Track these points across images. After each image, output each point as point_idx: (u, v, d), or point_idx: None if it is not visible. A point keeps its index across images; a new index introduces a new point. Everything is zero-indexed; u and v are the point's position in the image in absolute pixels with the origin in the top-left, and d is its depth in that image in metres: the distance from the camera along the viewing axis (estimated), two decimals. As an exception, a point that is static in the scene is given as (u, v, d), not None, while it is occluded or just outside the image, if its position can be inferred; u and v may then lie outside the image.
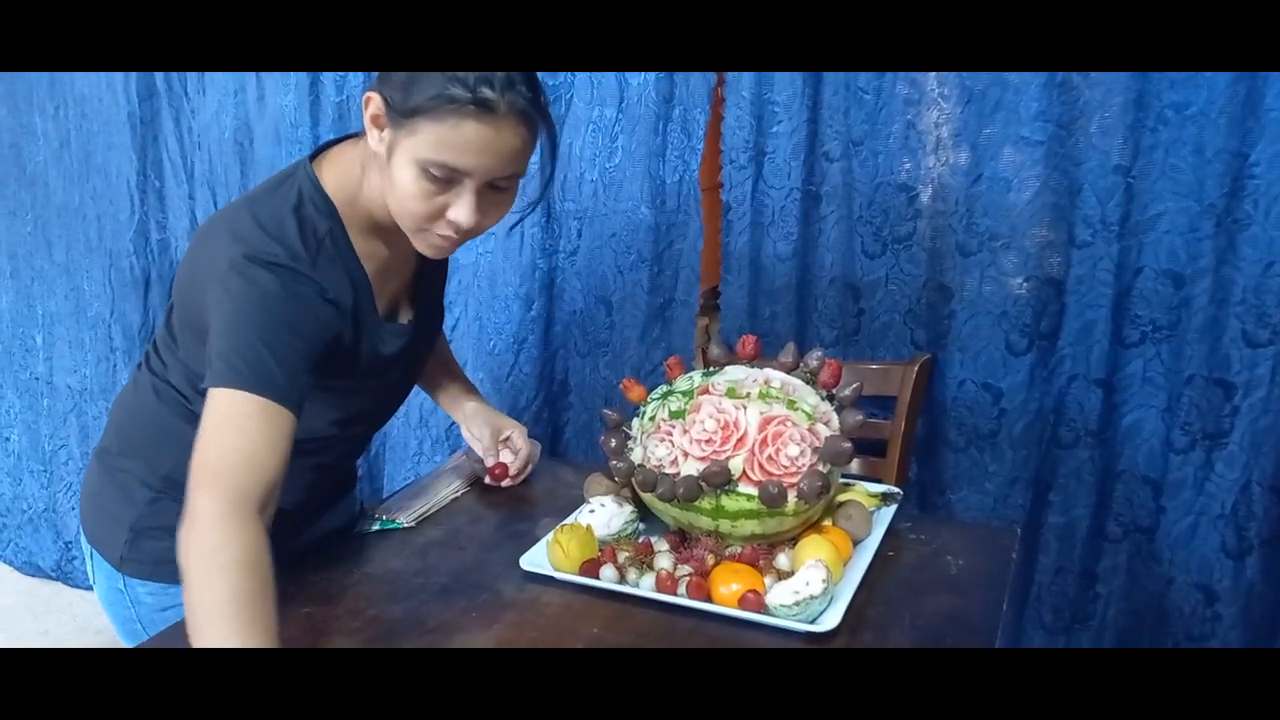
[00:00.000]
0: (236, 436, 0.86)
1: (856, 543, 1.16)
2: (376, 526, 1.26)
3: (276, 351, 0.88)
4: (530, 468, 1.38)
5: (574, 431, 1.96)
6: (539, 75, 0.95)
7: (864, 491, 1.24)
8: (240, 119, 2.07)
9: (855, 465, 1.67)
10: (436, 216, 0.94)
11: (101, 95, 2.20)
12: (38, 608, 2.50)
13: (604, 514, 1.18)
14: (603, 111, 1.78)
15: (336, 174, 0.98)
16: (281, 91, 2.00)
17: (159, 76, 2.13)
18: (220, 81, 2.07)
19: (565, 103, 1.80)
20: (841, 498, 1.21)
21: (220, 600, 0.80)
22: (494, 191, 0.95)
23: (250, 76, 2.04)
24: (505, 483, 1.33)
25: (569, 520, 1.21)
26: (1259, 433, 1.51)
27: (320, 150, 1.02)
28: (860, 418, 1.12)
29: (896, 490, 1.27)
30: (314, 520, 1.21)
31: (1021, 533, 1.60)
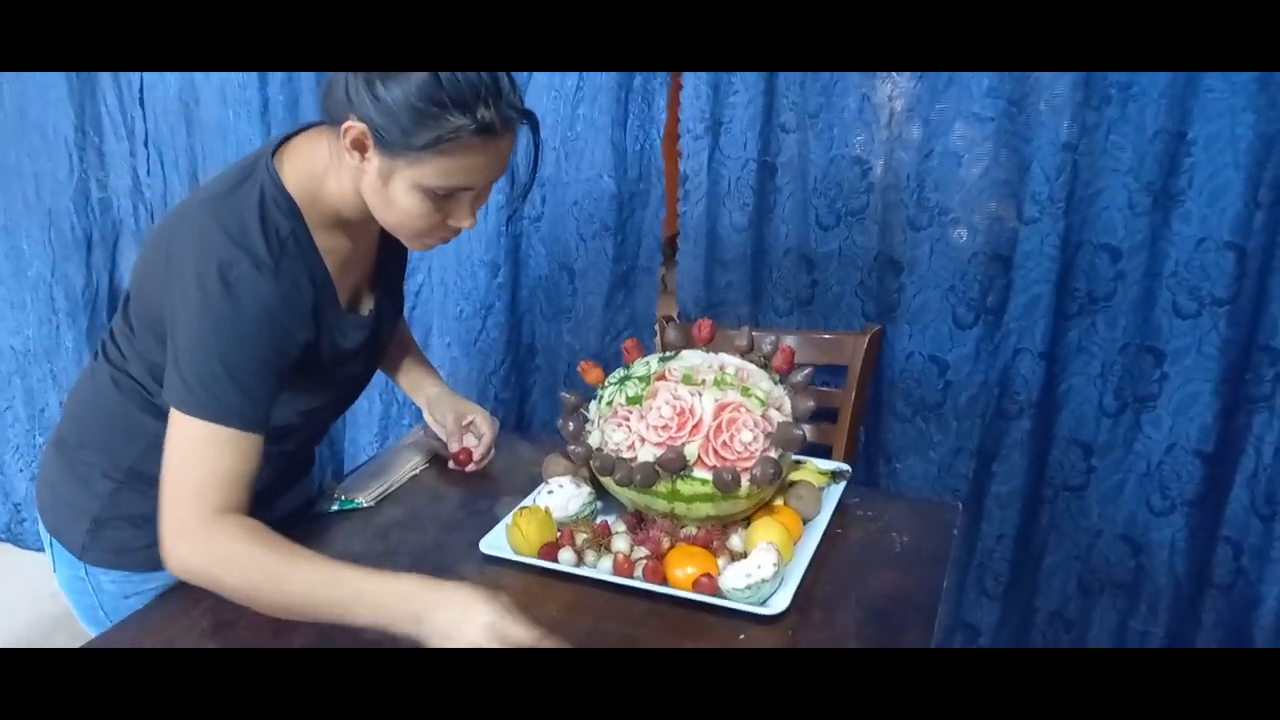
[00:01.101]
0: (202, 463, 0.89)
1: (806, 521, 1.20)
2: (336, 506, 1.28)
3: (241, 380, 0.90)
4: (492, 452, 1.39)
5: (540, 393, 1.99)
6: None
7: (814, 469, 1.29)
8: (185, 78, 2.01)
9: (806, 431, 1.71)
10: (438, 227, 0.98)
11: (34, 48, 2.11)
12: (-12, 570, 2.48)
13: (562, 495, 1.21)
14: (564, 79, 1.76)
15: (299, 172, 0.97)
16: (226, 50, 1.94)
17: (95, 30, 2.05)
18: (160, 37, 2.00)
19: (527, 73, 1.77)
20: (793, 476, 1.25)
21: (293, 575, 0.88)
22: (487, 186, 0.98)
23: (192, 33, 1.97)
24: (470, 468, 1.35)
25: (527, 501, 1.24)
26: (1185, 398, 1.58)
27: (280, 144, 1.00)
28: (811, 404, 1.16)
29: (846, 468, 1.31)
30: (273, 501, 1.22)
31: (965, 502, 1.67)
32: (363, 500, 1.28)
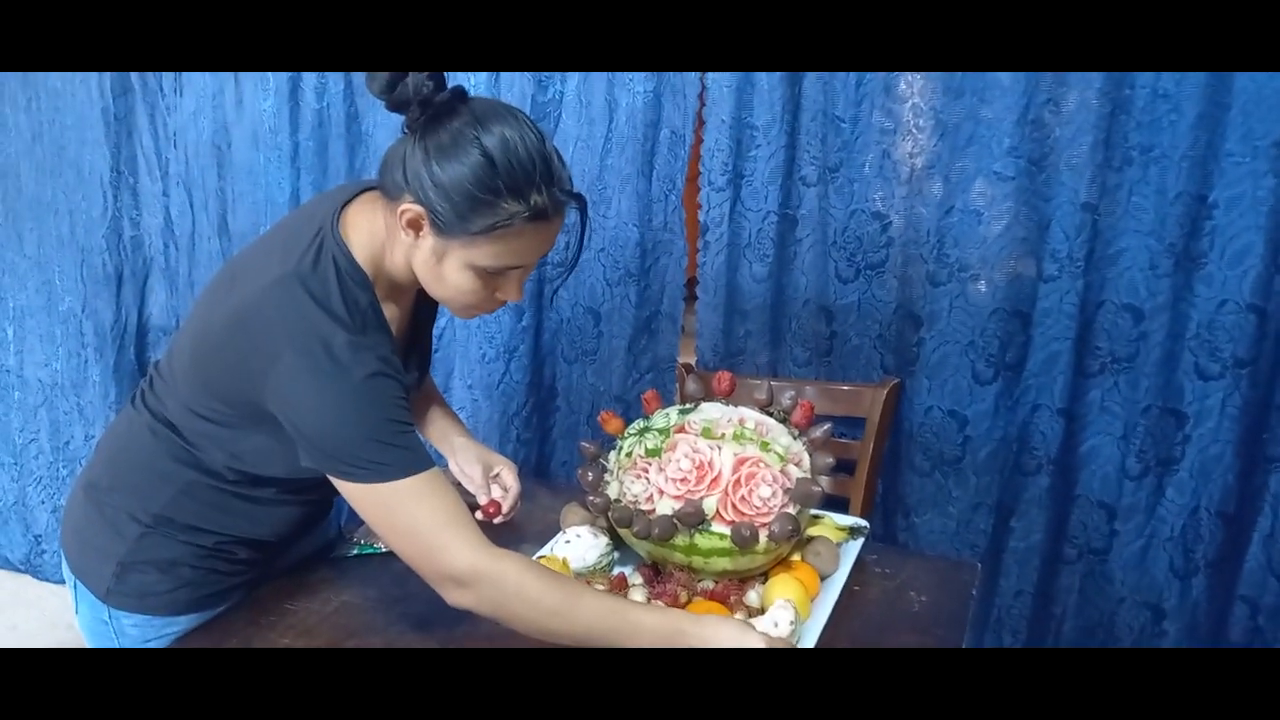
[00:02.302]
0: (435, 507, 0.94)
1: (824, 578, 1.20)
2: (355, 551, 1.29)
3: (380, 438, 0.93)
4: (518, 507, 1.40)
5: (560, 434, 2.00)
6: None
7: (832, 525, 1.29)
8: (218, 122, 2.06)
9: (824, 482, 1.71)
10: (487, 300, 1.01)
11: (75, 90, 2.18)
12: (6, 600, 2.50)
13: (580, 545, 1.21)
14: (592, 131, 1.79)
15: (363, 244, 0.99)
16: (261, 96, 1.99)
17: (134, 74, 2.11)
18: (198, 83, 2.06)
19: (555, 120, 1.81)
20: (810, 531, 1.25)
21: (577, 607, 0.94)
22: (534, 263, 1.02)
23: (229, 79, 2.03)
24: (498, 520, 1.36)
25: (545, 550, 1.24)
26: (1208, 461, 1.57)
27: (341, 211, 1.01)
28: (831, 461, 1.16)
29: (863, 524, 1.31)
30: (296, 545, 1.23)
31: (983, 557, 1.66)
32: (381, 545, 1.29)
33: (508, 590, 0.94)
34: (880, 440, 1.69)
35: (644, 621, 0.95)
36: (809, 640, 1.06)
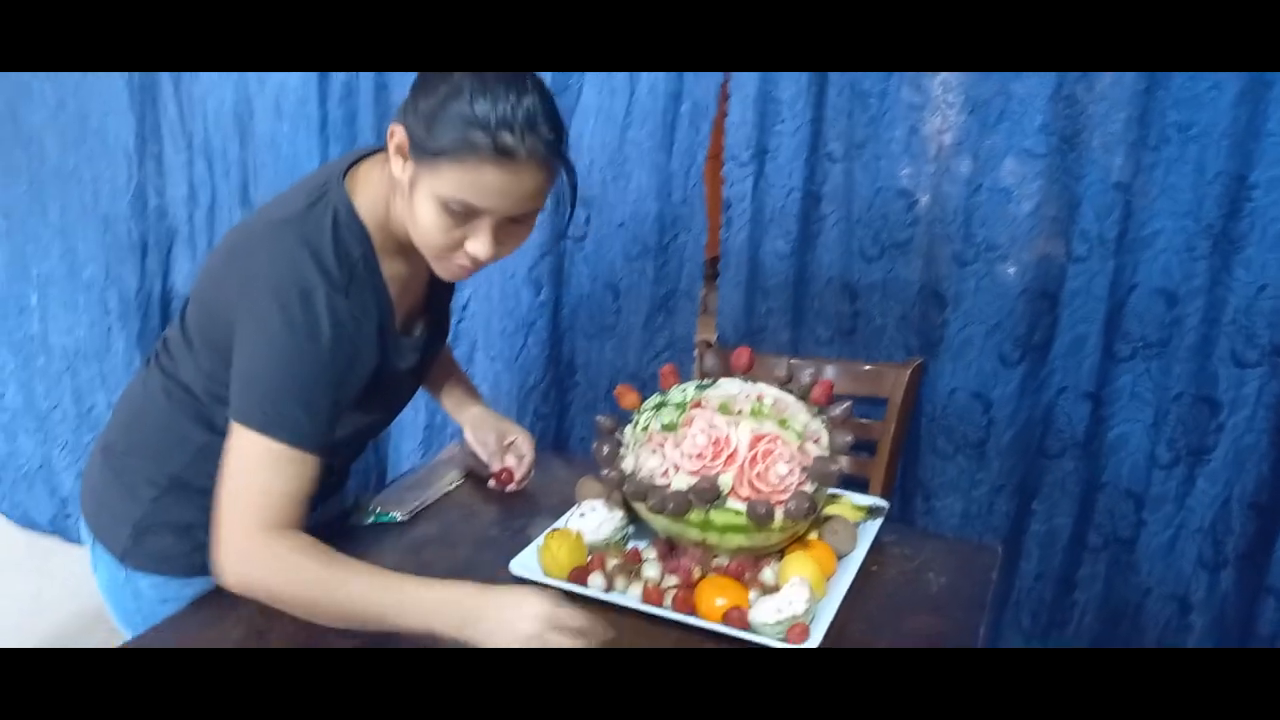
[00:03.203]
0: (265, 478, 0.91)
1: (841, 557, 1.18)
2: (371, 519, 1.28)
3: (309, 402, 0.92)
4: (533, 473, 1.39)
5: (579, 410, 1.99)
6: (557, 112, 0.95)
7: (850, 504, 1.27)
8: (240, 92, 2.06)
9: (843, 463, 1.69)
10: (455, 247, 0.97)
11: (100, 57, 2.18)
12: (34, 563, 2.53)
13: (594, 519, 1.20)
14: (613, 102, 1.77)
15: (368, 196, 0.98)
16: (284, 65, 1.98)
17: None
18: (221, 51, 2.05)
19: (576, 93, 1.79)
20: (828, 510, 1.23)
21: (344, 583, 0.90)
22: (512, 224, 0.97)
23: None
24: (511, 488, 1.35)
25: (560, 523, 1.23)
26: (1242, 450, 1.53)
27: (350, 167, 1.01)
28: (849, 439, 1.14)
29: (882, 504, 1.29)
30: (308, 513, 1.22)
31: (1004, 539, 1.64)
32: (398, 514, 1.28)
33: (273, 562, 0.91)
34: (902, 421, 1.66)
35: (423, 597, 0.91)
36: (824, 619, 1.04)
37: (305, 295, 0.91)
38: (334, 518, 1.29)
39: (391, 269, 1.02)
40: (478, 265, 0.99)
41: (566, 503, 1.27)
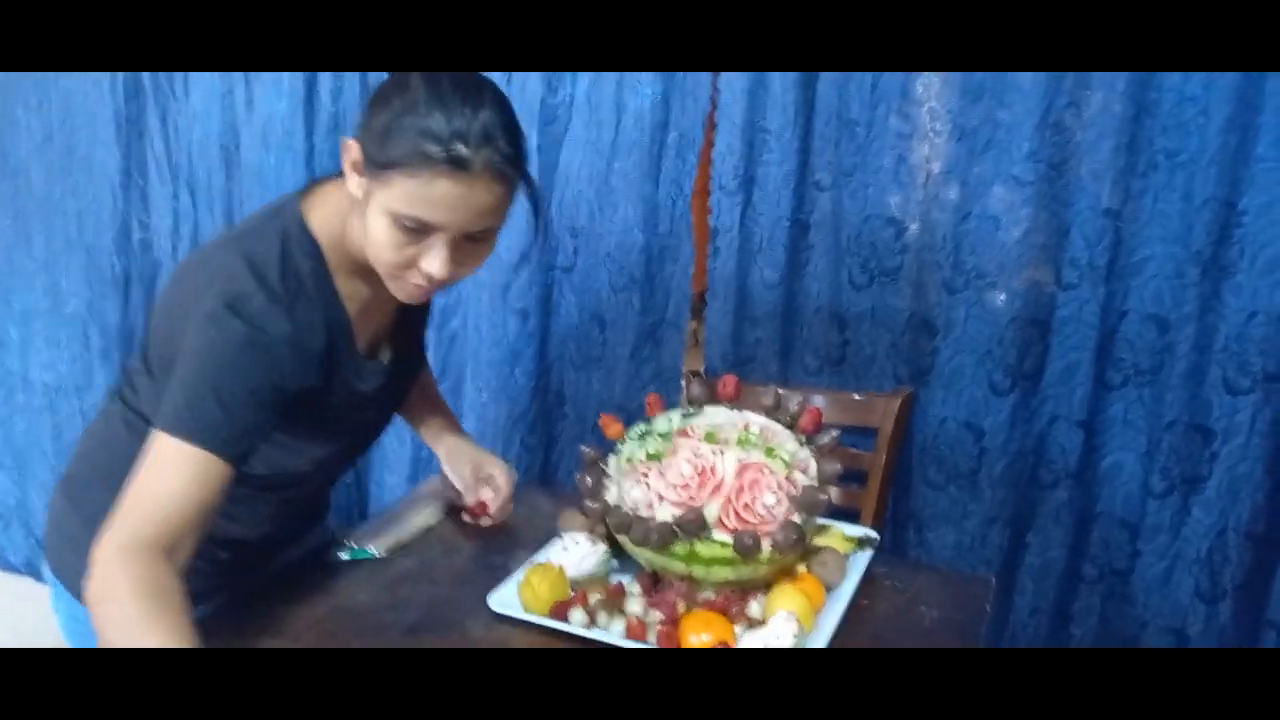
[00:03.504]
0: (156, 481, 0.86)
1: (830, 589, 1.15)
2: (348, 555, 1.25)
3: (227, 403, 0.87)
4: (508, 510, 1.35)
5: (567, 441, 1.96)
6: (520, 130, 0.94)
7: (840, 535, 1.24)
8: (227, 123, 2.05)
9: (834, 494, 1.66)
10: (409, 265, 0.93)
11: (87, 90, 2.17)
12: (6, 604, 2.47)
13: (577, 552, 1.17)
14: (599, 134, 1.76)
15: (323, 214, 0.96)
16: (274, 97, 1.97)
17: (145, 75, 2.10)
18: (206, 83, 2.04)
19: (565, 124, 1.78)
20: (817, 541, 1.20)
21: (130, 622, 0.80)
22: (470, 243, 0.93)
23: (239, 79, 2.01)
24: (484, 521, 1.32)
25: (540, 557, 1.20)
26: (1236, 479, 1.51)
27: (309, 188, 1.00)
28: (838, 468, 1.12)
29: (873, 535, 1.26)
30: (283, 548, 1.19)
31: (997, 573, 1.61)
32: (375, 550, 1.25)
33: (107, 581, 0.83)
34: (892, 451, 1.64)
35: None
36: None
37: (238, 302, 0.88)
38: (311, 551, 1.25)
39: (349, 288, 0.99)
40: (434, 285, 0.95)
41: (549, 536, 1.24)
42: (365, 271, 0.99)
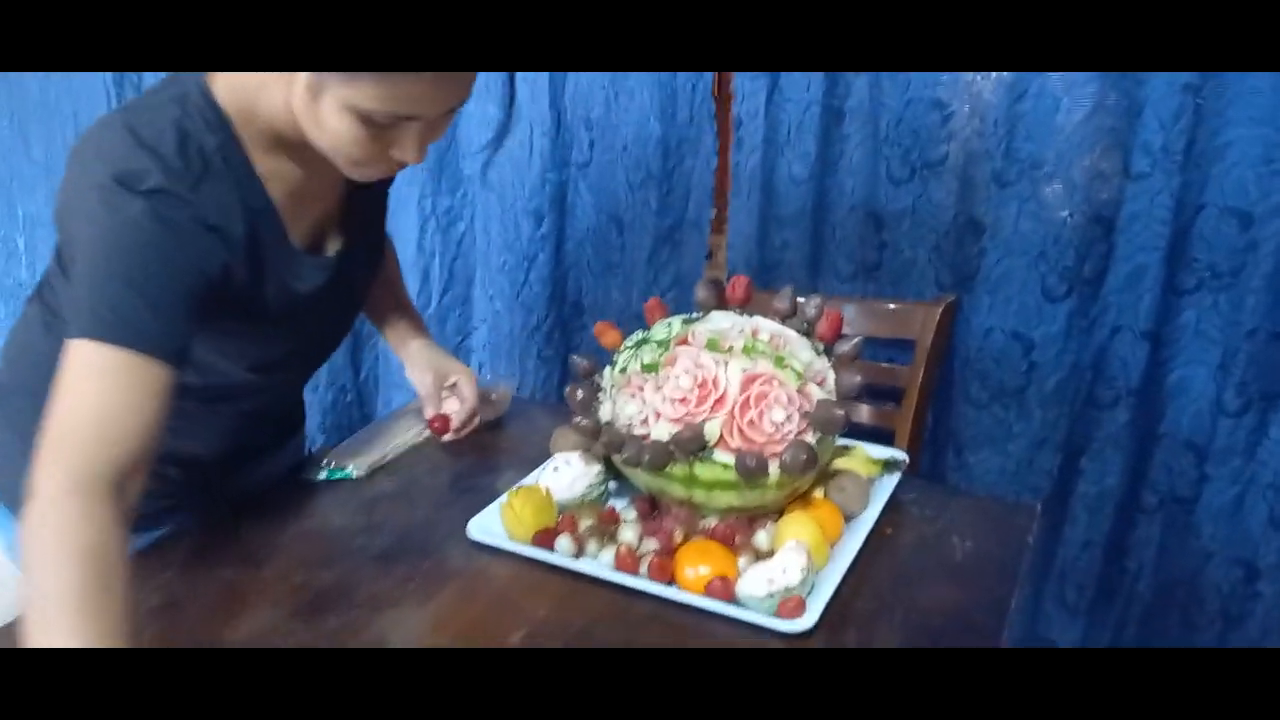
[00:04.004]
0: (91, 399, 0.73)
1: (849, 518, 1.02)
2: (324, 475, 1.15)
3: (147, 294, 0.74)
4: (477, 421, 1.22)
5: (586, 352, 1.83)
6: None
7: (864, 457, 1.10)
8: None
9: (865, 414, 1.53)
10: (378, 157, 0.81)
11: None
12: None
13: (568, 474, 1.05)
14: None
15: (231, 82, 0.82)
16: None
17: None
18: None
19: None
20: (838, 464, 1.07)
21: (58, 596, 0.68)
22: (445, 118, 0.82)
23: None
24: (447, 437, 1.19)
25: (529, 479, 1.09)
26: (1324, 395, 1.33)
27: None
28: (858, 380, 0.97)
29: (901, 456, 1.12)
30: (248, 467, 1.10)
31: (1046, 502, 1.47)
32: (353, 469, 1.15)
33: (41, 534, 0.69)
34: (932, 366, 1.49)
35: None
36: (824, 591, 0.89)
37: (131, 178, 0.75)
38: (286, 471, 1.16)
39: (271, 167, 0.86)
40: (403, 168, 0.84)
41: (542, 458, 1.13)
42: (291, 148, 0.85)
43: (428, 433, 1.24)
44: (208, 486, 1.03)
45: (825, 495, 1.02)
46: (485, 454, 1.23)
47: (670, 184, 1.65)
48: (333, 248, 0.97)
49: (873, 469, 1.08)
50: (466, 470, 1.19)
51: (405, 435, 1.22)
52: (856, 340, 1.01)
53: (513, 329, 1.83)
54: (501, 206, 1.77)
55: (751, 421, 0.94)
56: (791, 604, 0.85)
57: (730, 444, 0.94)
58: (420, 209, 1.78)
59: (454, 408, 1.18)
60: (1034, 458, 1.49)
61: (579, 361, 1.07)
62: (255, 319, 0.88)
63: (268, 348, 0.93)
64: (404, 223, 1.79)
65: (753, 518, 1.00)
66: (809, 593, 0.89)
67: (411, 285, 1.85)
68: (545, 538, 0.98)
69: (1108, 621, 1.55)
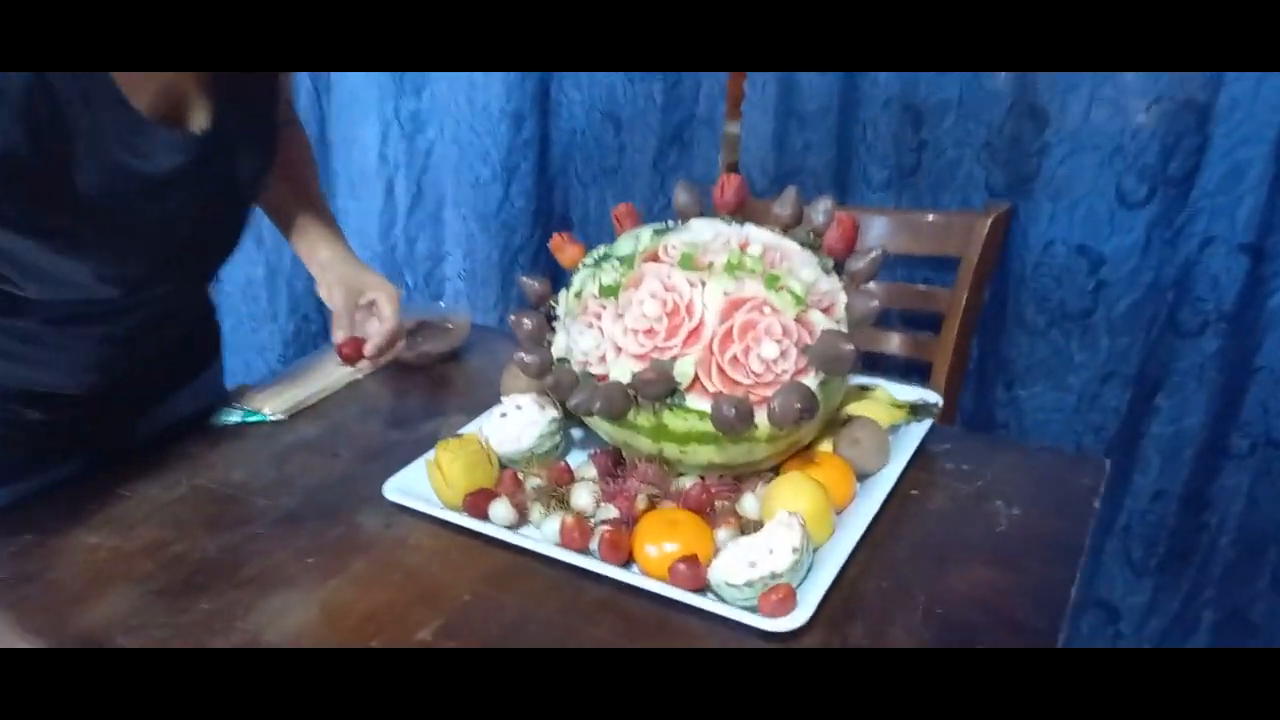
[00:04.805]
0: None
1: (864, 476, 0.81)
2: (238, 418, 0.97)
3: None
4: (401, 347, 0.98)
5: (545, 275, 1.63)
6: None
7: (886, 400, 0.89)
8: None
9: (897, 344, 1.30)
10: None
11: None
12: None
13: (516, 421, 0.86)
14: None
15: None
16: None
17: None
18: None
19: None
20: (851, 408, 0.86)
21: None
22: None
23: None
24: (361, 366, 0.96)
25: (472, 426, 0.90)
26: None
27: None
28: (875, 305, 0.75)
29: (933, 399, 0.91)
30: (144, 409, 0.92)
31: (1110, 445, 1.24)
32: (268, 411, 0.97)
33: None
34: (979, 287, 1.25)
35: None
36: (823, 576, 0.69)
37: None
38: (197, 413, 0.98)
39: None
40: None
41: (494, 402, 0.93)
42: None
43: (369, 370, 1.05)
44: (80, 433, 0.86)
45: (834, 449, 0.81)
46: (433, 394, 1.04)
47: (678, 74, 1.41)
48: (197, 122, 0.76)
49: (896, 414, 0.87)
50: (406, 414, 1.00)
51: (340, 372, 1.03)
52: (875, 254, 0.78)
53: (490, 253, 1.62)
54: (473, 110, 1.54)
55: (734, 359, 0.73)
56: (777, 596, 0.66)
57: (707, 387, 0.74)
58: (380, 113, 1.57)
59: (372, 330, 0.94)
60: (1099, 393, 1.26)
61: (529, 283, 0.87)
62: (85, 216, 0.68)
63: (119, 252, 0.73)
64: (363, 129, 1.58)
65: (739, 476, 0.79)
66: (802, 580, 0.69)
67: (372, 203, 1.64)
68: (478, 502, 0.79)
69: (1180, 584, 1.33)
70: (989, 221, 1.23)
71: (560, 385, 0.79)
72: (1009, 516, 0.79)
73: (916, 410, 0.88)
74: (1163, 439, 1.26)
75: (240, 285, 1.74)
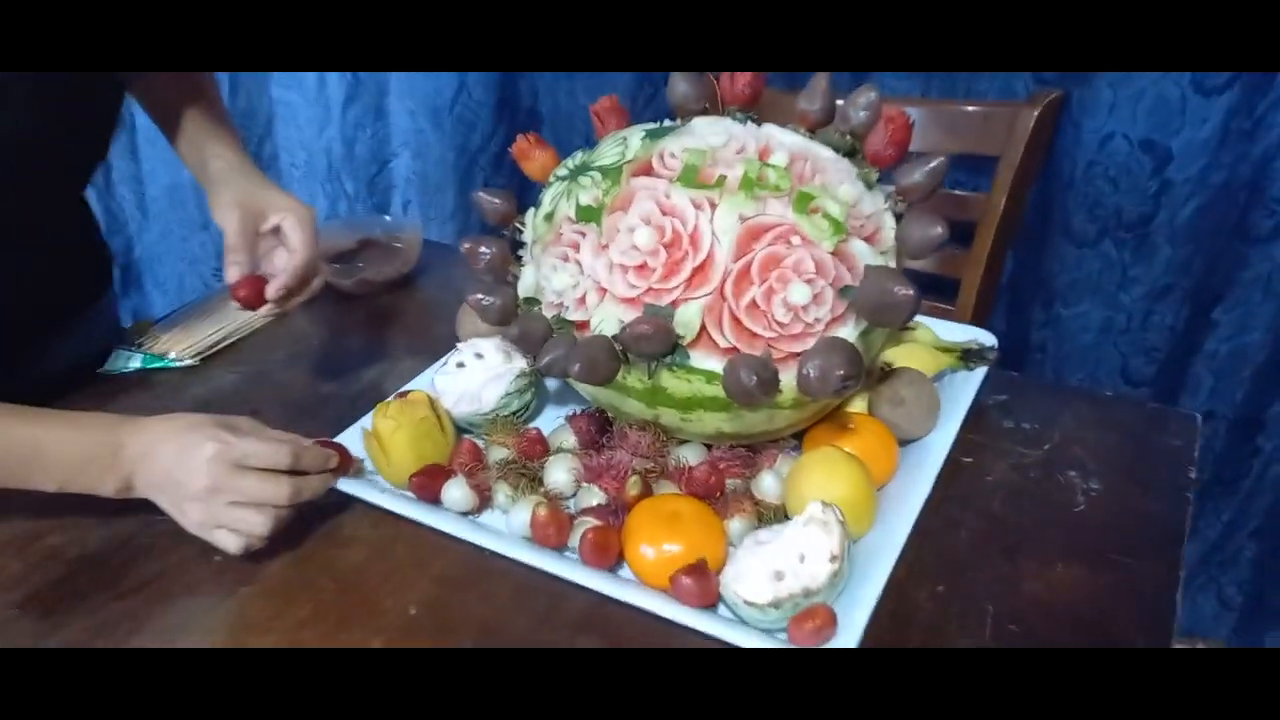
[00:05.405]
0: None
1: (907, 443, 0.66)
2: (138, 363, 0.80)
3: None
4: (318, 286, 0.74)
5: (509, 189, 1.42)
6: None
7: (932, 342, 0.72)
8: None
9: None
10: None
11: None
12: None
13: (477, 373, 0.69)
14: None
15: None
16: None
17: None
18: None
19: None
20: (890, 354, 0.69)
21: None
22: None
23: None
24: (262, 312, 0.74)
25: (419, 381, 0.73)
26: None
27: None
28: (939, 231, 0.58)
29: (989, 342, 0.74)
30: (6, 352, 0.74)
31: (1161, 367, 1.10)
32: (175, 356, 0.79)
33: None
34: (1020, 190, 1.07)
35: (46, 438, 0.59)
36: (868, 588, 0.54)
37: None
38: (87, 357, 0.80)
39: None
40: None
41: (449, 347, 0.76)
42: None
43: (304, 298, 0.86)
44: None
45: (870, 410, 0.65)
46: (377, 331, 0.87)
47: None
48: None
49: (943, 362, 0.71)
50: (344, 359, 0.83)
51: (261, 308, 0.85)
52: (936, 162, 0.60)
53: (444, 155, 1.38)
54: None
55: (753, 305, 0.56)
56: (814, 623, 0.51)
57: (718, 342, 0.57)
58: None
59: (278, 264, 0.73)
60: (1152, 310, 1.10)
61: (486, 199, 0.69)
62: None
63: None
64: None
65: (754, 446, 0.63)
66: (840, 593, 0.54)
67: (298, 95, 1.40)
68: (428, 482, 0.63)
69: (1223, 511, 1.21)
70: (1036, 112, 1.04)
71: (527, 337, 0.62)
72: (1087, 492, 0.64)
73: (969, 356, 0.72)
74: (1216, 357, 1.11)
75: (165, 188, 1.52)
